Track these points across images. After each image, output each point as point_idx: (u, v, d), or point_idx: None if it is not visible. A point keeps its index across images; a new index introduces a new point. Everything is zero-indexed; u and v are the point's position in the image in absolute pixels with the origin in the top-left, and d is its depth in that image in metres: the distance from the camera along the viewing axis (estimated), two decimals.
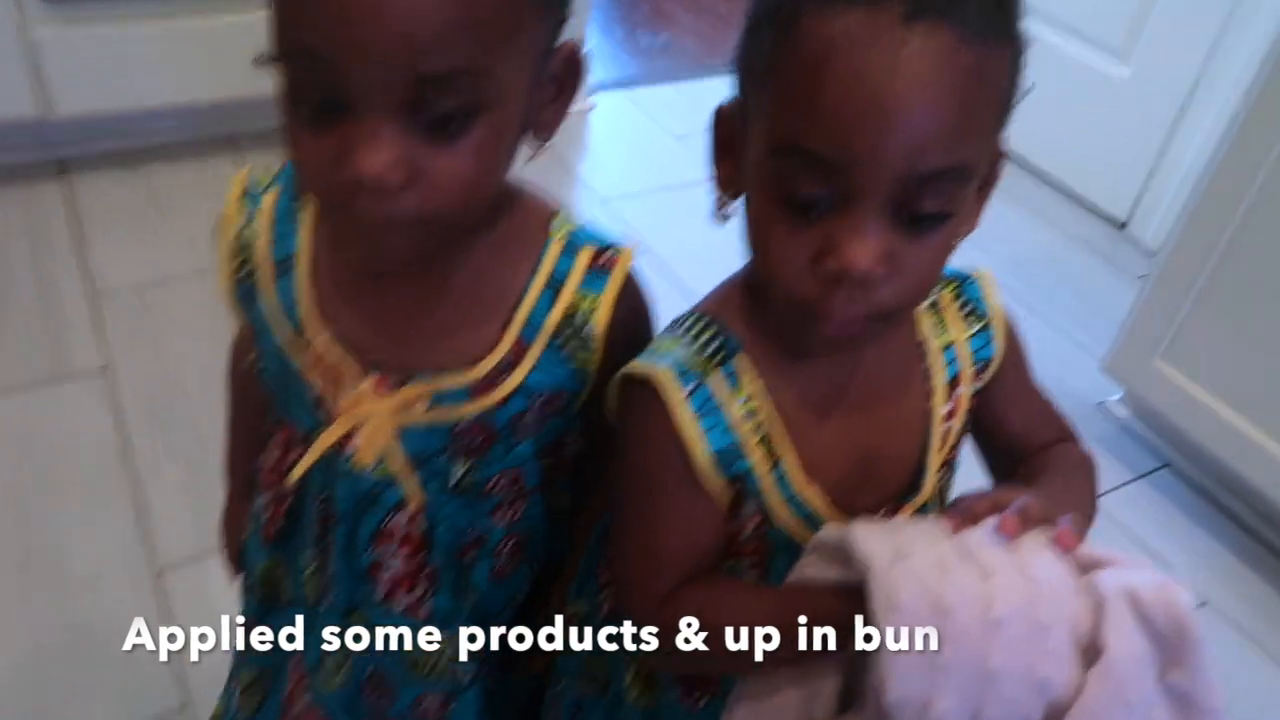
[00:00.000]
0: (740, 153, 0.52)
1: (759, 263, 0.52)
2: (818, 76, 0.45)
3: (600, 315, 0.59)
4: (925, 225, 0.48)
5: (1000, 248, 1.83)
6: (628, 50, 2.59)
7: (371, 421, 0.59)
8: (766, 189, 0.49)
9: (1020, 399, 0.64)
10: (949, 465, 0.62)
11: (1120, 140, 2.06)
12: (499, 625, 0.69)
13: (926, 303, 0.60)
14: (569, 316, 0.59)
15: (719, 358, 0.55)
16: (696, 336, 0.56)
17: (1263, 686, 1.26)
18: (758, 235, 0.51)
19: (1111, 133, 2.07)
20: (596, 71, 2.36)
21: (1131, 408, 1.59)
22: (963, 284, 0.62)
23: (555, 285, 0.59)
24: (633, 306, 0.62)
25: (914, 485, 0.60)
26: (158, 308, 1.54)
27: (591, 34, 2.28)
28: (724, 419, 0.54)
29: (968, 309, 0.61)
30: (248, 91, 1.66)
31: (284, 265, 0.59)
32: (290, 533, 0.69)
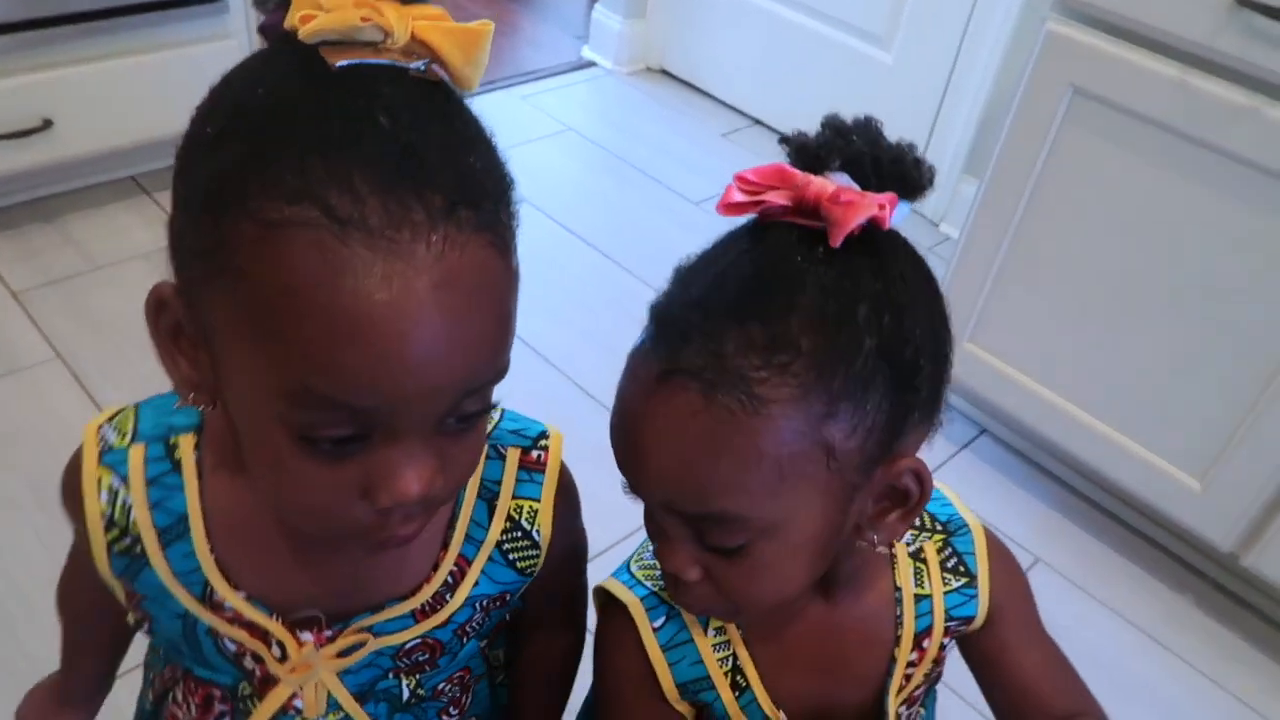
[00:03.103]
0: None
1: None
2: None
3: (543, 518, 0.58)
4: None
5: None
6: None
7: (315, 676, 0.55)
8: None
9: (1027, 654, 0.61)
10: (912, 702, 0.62)
11: (892, 122, 2.16)
12: None
13: (911, 549, 0.59)
14: (510, 526, 0.57)
15: None
16: None
17: (1095, 632, 1.37)
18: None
19: (884, 115, 2.17)
20: None
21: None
22: (953, 535, 0.61)
23: (488, 497, 0.57)
24: (570, 507, 0.60)
25: (877, 715, 0.60)
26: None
27: None
28: (693, 652, 0.56)
29: (953, 563, 0.60)
30: None
31: (172, 531, 0.53)
32: None
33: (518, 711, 0.70)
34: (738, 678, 0.57)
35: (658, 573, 0.57)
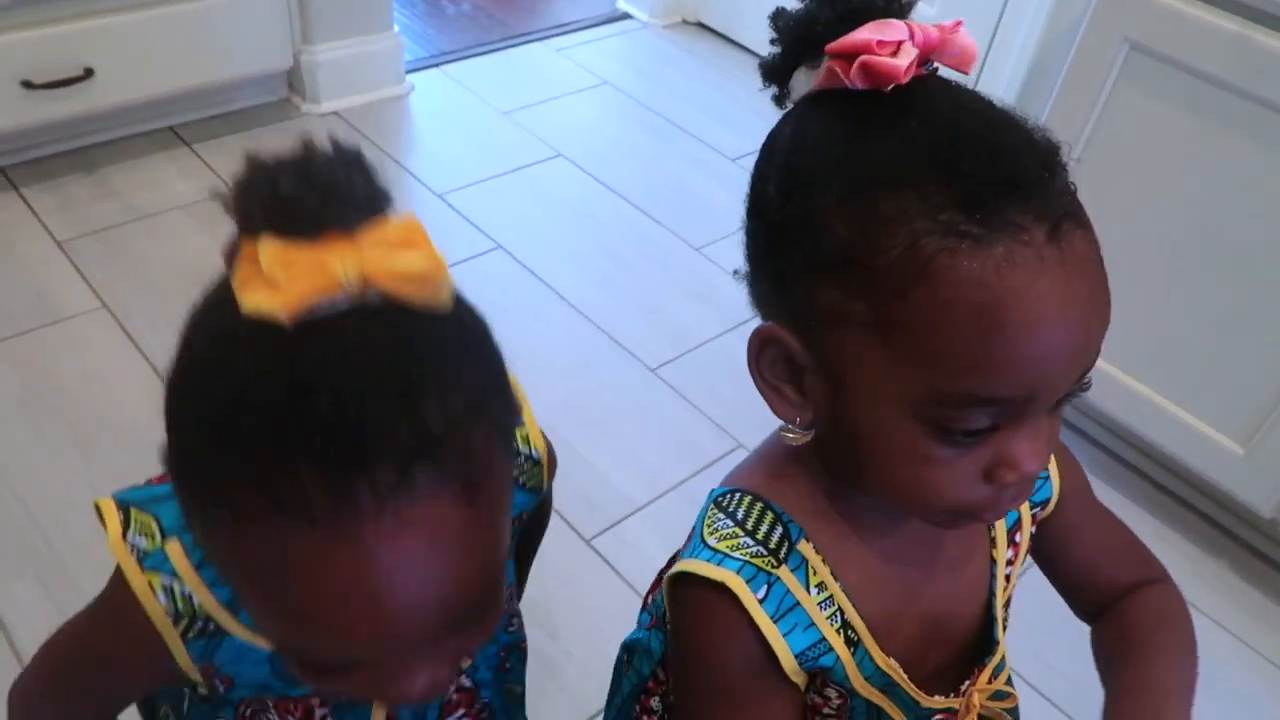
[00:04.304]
0: (813, 384, 0.49)
1: (903, 486, 0.49)
2: (982, 324, 0.42)
3: (534, 436, 0.62)
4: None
5: None
6: (433, 25, 2.45)
7: None
8: (919, 426, 0.46)
9: (1089, 528, 0.63)
10: (1008, 604, 0.62)
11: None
12: None
13: None
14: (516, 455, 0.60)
15: (785, 550, 0.53)
16: (755, 527, 0.54)
17: None
18: (906, 465, 0.48)
19: None
20: (408, 50, 2.23)
21: None
22: None
23: None
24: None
25: (985, 638, 0.60)
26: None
27: (395, 11, 2.13)
28: (804, 616, 0.53)
29: None
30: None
31: (235, 603, 0.53)
32: None
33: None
34: (849, 633, 0.54)
35: (743, 538, 0.53)
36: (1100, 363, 1.45)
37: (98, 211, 1.69)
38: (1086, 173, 1.32)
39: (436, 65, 2.27)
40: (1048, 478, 0.61)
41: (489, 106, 2.16)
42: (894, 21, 0.46)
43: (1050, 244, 0.43)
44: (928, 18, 1.78)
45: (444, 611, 0.42)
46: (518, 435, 0.60)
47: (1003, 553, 0.60)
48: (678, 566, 0.55)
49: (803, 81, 0.49)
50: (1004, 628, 0.61)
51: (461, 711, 0.67)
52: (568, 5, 2.63)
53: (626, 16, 2.58)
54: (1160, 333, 1.34)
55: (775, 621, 0.52)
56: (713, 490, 0.58)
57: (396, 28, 2.10)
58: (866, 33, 0.45)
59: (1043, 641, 1.14)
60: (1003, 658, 0.61)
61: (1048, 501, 0.62)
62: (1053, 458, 0.61)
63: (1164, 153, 1.25)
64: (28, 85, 1.57)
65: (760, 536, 0.53)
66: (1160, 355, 1.35)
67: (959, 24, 0.48)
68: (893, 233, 0.43)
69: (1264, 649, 1.31)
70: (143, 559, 0.53)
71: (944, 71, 0.50)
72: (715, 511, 0.55)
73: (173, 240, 1.65)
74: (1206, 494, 1.46)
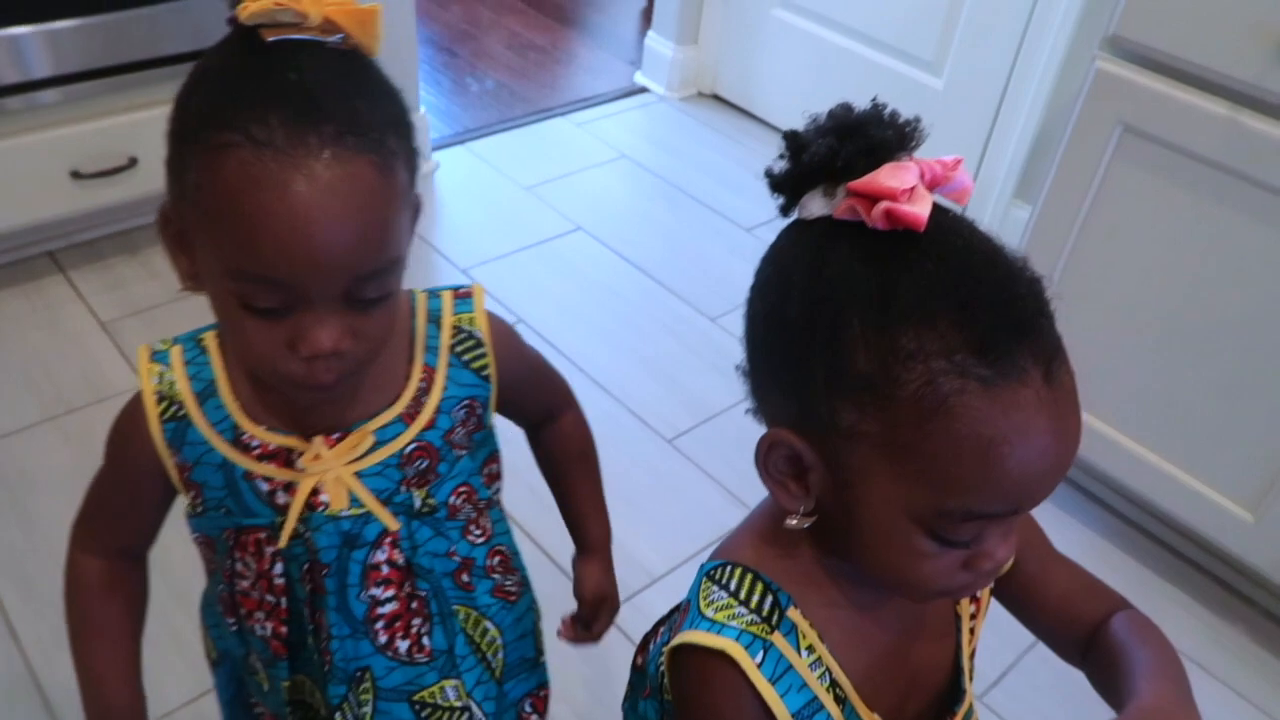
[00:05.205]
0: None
1: (894, 572, 0.55)
2: (987, 457, 0.48)
3: (479, 319, 0.73)
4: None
5: None
6: (458, 102, 2.55)
7: (331, 471, 0.68)
8: (915, 528, 0.52)
9: (1053, 576, 0.68)
10: (972, 654, 0.67)
11: (944, 146, 2.18)
12: (521, 683, 0.84)
13: None
14: (455, 331, 0.72)
15: (776, 617, 0.58)
16: (748, 596, 0.58)
17: None
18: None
19: (935, 139, 2.19)
20: (434, 128, 2.32)
21: None
22: None
23: (435, 319, 0.72)
24: (500, 321, 0.76)
25: (954, 687, 0.64)
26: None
27: (420, 89, 2.23)
28: (797, 678, 0.57)
29: None
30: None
31: (206, 392, 0.68)
32: (298, 642, 0.74)
33: (571, 505, 0.87)
34: (837, 691, 0.58)
35: (738, 608, 0.58)
36: (1112, 431, 1.47)
37: (141, 292, 1.77)
38: (1087, 248, 1.37)
39: (461, 142, 2.36)
40: None
41: (511, 181, 2.24)
42: (909, 164, 0.50)
43: (1046, 384, 0.48)
44: (934, 91, 1.86)
45: (350, 253, 0.56)
46: (464, 318, 0.73)
47: (966, 608, 0.66)
48: (679, 639, 0.59)
49: (817, 204, 0.52)
50: (970, 677, 0.66)
51: (393, 592, 0.73)
52: (588, 80, 2.73)
53: (644, 90, 2.67)
54: (1168, 401, 1.36)
55: (773, 684, 0.56)
56: (703, 564, 0.62)
57: (423, 108, 2.19)
58: (887, 177, 0.49)
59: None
60: (970, 705, 0.65)
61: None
62: None
63: (1161, 228, 1.29)
64: (76, 175, 1.67)
65: (753, 605, 0.58)
66: (1168, 423, 1.37)
67: (959, 161, 0.53)
68: (911, 368, 0.48)
69: None
70: (153, 355, 0.70)
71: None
72: (709, 584, 0.60)
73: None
74: (1221, 559, 1.47)
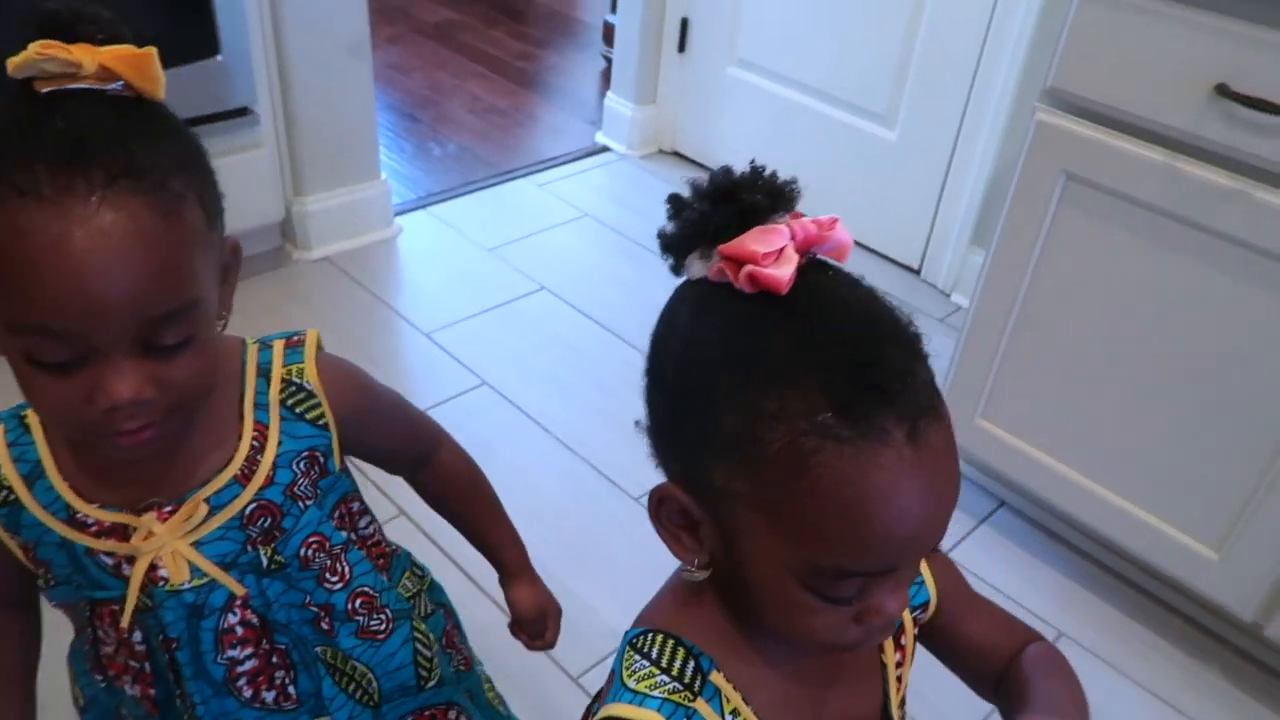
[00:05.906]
0: (707, 534, 0.55)
1: (786, 628, 0.55)
2: (851, 516, 0.48)
3: (308, 370, 0.72)
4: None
5: None
6: (420, 167, 2.57)
7: (167, 545, 0.68)
8: (799, 584, 0.52)
9: (971, 617, 0.69)
10: (902, 703, 0.66)
11: (900, 195, 2.23)
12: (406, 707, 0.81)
13: None
14: (285, 385, 0.71)
15: (699, 682, 0.57)
16: (670, 663, 0.57)
17: (1121, 706, 1.37)
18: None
19: (892, 190, 2.24)
20: (396, 193, 2.33)
21: (963, 459, 1.71)
22: None
23: (265, 373, 0.71)
24: (336, 366, 0.74)
25: None
26: None
27: (383, 155, 2.24)
28: None
29: None
30: None
31: (33, 474, 0.68)
32: (168, 701, 0.74)
33: (479, 537, 0.88)
34: None
35: (659, 676, 0.57)
36: (1070, 472, 1.49)
37: None
38: (1040, 293, 1.38)
39: (424, 206, 2.37)
40: (923, 583, 0.67)
41: (474, 244, 2.25)
42: (777, 227, 0.51)
43: (909, 444, 0.48)
44: (888, 143, 1.90)
45: (132, 298, 0.55)
46: (293, 370, 0.72)
47: (891, 657, 0.65)
48: (602, 712, 0.58)
49: (696, 266, 0.54)
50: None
51: (250, 650, 0.72)
52: (550, 141, 2.76)
53: (606, 149, 2.71)
54: (1128, 444, 1.37)
55: None
56: (627, 632, 0.61)
57: (384, 175, 2.20)
58: (752, 241, 0.50)
59: None
60: None
61: (927, 604, 0.67)
62: (925, 565, 0.66)
63: (1109, 271, 1.31)
64: None
65: (675, 673, 0.57)
66: (1130, 465, 1.38)
67: (835, 220, 0.53)
68: (774, 428, 0.48)
69: None
70: None
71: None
72: (631, 653, 0.59)
73: None
74: (1191, 598, 1.47)
